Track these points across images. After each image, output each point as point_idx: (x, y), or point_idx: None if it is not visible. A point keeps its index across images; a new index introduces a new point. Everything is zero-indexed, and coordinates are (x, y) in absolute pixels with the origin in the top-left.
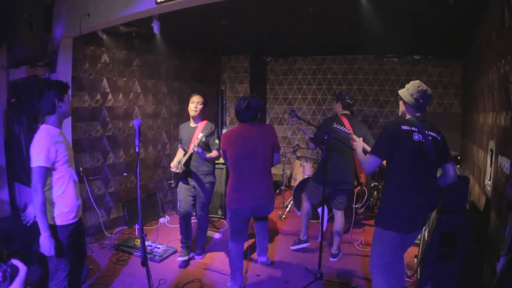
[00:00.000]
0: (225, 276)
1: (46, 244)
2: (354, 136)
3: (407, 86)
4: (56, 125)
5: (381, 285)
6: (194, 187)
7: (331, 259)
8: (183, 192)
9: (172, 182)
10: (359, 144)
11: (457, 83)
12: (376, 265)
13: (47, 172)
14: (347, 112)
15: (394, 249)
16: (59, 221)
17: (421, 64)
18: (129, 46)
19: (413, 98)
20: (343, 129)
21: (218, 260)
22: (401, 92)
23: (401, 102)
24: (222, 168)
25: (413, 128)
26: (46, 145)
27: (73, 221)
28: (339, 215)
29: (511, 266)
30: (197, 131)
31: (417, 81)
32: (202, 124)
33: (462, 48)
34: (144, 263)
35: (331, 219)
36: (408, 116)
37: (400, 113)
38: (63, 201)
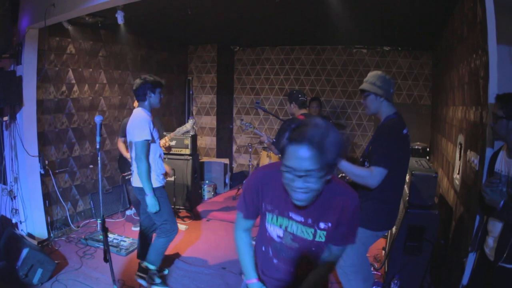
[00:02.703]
0: (193, 269)
1: (152, 202)
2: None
3: (369, 78)
4: (148, 111)
5: (359, 284)
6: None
7: None
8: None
9: (124, 174)
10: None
11: (427, 75)
12: (352, 265)
13: (149, 144)
14: (304, 111)
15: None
16: (155, 184)
17: (390, 55)
18: (95, 36)
19: (384, 90)
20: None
21: (186, 252)
22: (368, 87)
23: (369, 99)
24: (188, 160)
25: (406, 129)
26: (147, 122)
27: (163, 182)
28: None
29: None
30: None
31: (376, 71)
32: None
33: (432, 40)
34: (107, 259)
35: None
36: (381, 116)
37: (370, 112)
38: (156, 168)
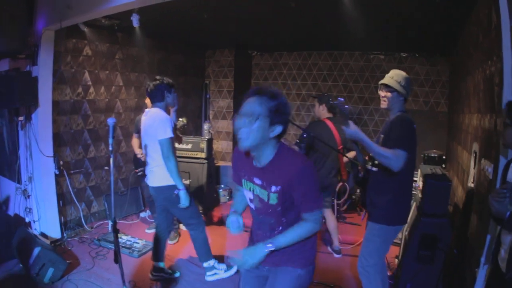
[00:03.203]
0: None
1: (184, 196)
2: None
3: (395, 76)
4: (164, 110)
5: (378, 285)
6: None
7: (336, 255)
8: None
9: (137, 171)
10: (352, 131)
11: (444, 82)
12: (374, 265)
13: (173, 141)
14: (330, 115)
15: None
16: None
17: (408, 61)
18: (111, 39)
19: (404, 89)
20: None
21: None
22: (394, 84)
23: (390, 94)
24: (203, 163)
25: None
26: (169, 121)
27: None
28: (328, 213)
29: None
30: None
31: (401, 71)
32: None
33: (449, 46)
34: (117, 260)
35: None
36: (392, 111)
37: (387, 106)
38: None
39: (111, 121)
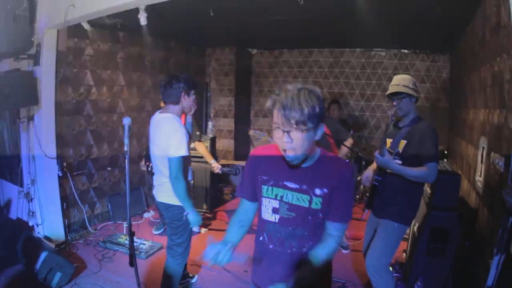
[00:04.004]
0: (214, 273)
1: (195, 219)
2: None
3: (402, 82)
4: (177, 113)
5: (389, 281)
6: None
7: (344, 251)
8: None
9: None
10: (385, 160)
11: (445, 78)
12: (386, 264)
13: (184, 160)
14: None
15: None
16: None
17: (409, 58)
18: (113, 38)
19: (413, 90)
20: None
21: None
22: (404, 89)
23: (404, 100)
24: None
25: None
26: (183, 134)
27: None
28: None
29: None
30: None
31: (403, 75)
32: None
33: (451, 43)
34: (133, 263)
35: None
36: (410, 114)
37: (403, 113)
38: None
39: (126, 120)
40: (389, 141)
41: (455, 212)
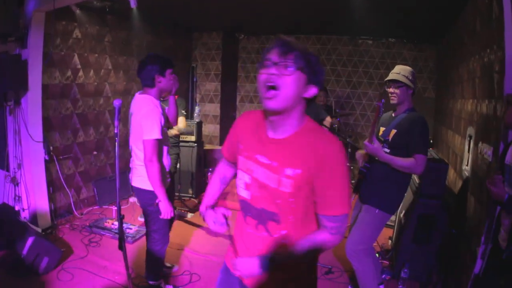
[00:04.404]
0: (202, 257)
1: (166, 208)
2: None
3: (402, 71)
4: (156, 97)
5: (371, 267)
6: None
7: None
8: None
9: None
10: (374, 148)
11: (432, 68)
12: (366, 249)
13: (159, 143)
14: None
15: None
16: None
17: (396, 47)
18: (101, 21)
19: (411, 82)
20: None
21: (193, 241)
22: (403, 79)
23: (401, 89)
24: (193, 146)
25: None
26: (158, 116)
27: (166, 185)
28: None
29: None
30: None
31: (406, 66)
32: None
33: (439, 33)
34: (121, 247)
35: None
36: (401, 106)
37: (396, 102)
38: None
39: (117, 102)
40: (382, 129)
41: (442, 200)
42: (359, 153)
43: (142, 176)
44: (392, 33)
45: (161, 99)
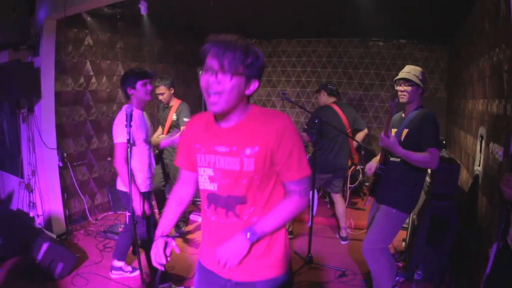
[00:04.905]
0: None
1: (136, 206)
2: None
3: (413, 71)
4: (136, 107)
5: (387, 267)
6: (167, 165)
7: (342, 242)
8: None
9: None
10: (390, 142)
11: (443, 68)
12: (382, 249)
13: (127, 147)
14: (334, 99)
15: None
16: (141, 189)
17: (407, 48)
18: (112, 28)
19: (421, 82)
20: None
21: None
22: (414, 78)
23: (409, 88)
24: None
25: None
26: (122, 122)
27: (150, 188)
28: (338, 198)
29: (503, 254)
30: (171, 112)
31: (416, 66)
32: (176, 104)
33: (449, 33)
34: (135, 252)
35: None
36: (411, 105)
37: (406, 100)
38: (143, 170)
39: (129, 109)
40: (394, 130)
41: (454, 201)
42: (370, 164)
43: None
44: (402, 34)
45: (165, 106)
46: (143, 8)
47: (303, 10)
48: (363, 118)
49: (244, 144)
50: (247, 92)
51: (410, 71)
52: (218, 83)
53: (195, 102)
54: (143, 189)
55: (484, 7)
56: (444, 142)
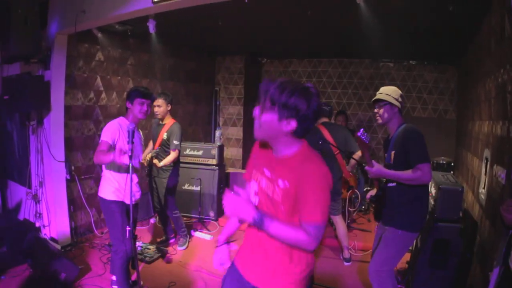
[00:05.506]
0: (218, 279)
1: (118, 158)
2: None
3: (385, 90)
4: (130, 120)
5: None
6: (154, 182)
7: (346, 264)
8: (151, 186)
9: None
10: (376, 170)
11: (453, 89)
12: (389, 271)
13: (109, 147)
14: (325, 119)
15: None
16: (109, 197)
17: (416, 69)
18: (124, 44)
19: (395, 99)
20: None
21: (211, 263)
22: (386, 97)
23: (386, 108)
24: (215, 170)
25: None
26: (113, 127)
27: (122, 198)
28: (338, 220)
29: (504, 278)
30: (163, 129)
31: (390, 86)
32: (169, 123)
33: (458, 54)
34: (134, 266)
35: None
36: (391, 125)
37: (382, 121)
38: (113, 181)
39: (131, 126)
40: (393, 153)
41: (458, 224)
42: (369, 193)
43: (101, 185)
44: (412, 55)
45: (160, 122)
46: (151, 27)
47: (315, 31)
48: (373, 139)
49: (280, 175)
50: (285, 129)
51: (382, 91)
52: (257, 115)
53: (205, 120)
54: (113, 197)
55: (491, 28)
56: (452, 164)
